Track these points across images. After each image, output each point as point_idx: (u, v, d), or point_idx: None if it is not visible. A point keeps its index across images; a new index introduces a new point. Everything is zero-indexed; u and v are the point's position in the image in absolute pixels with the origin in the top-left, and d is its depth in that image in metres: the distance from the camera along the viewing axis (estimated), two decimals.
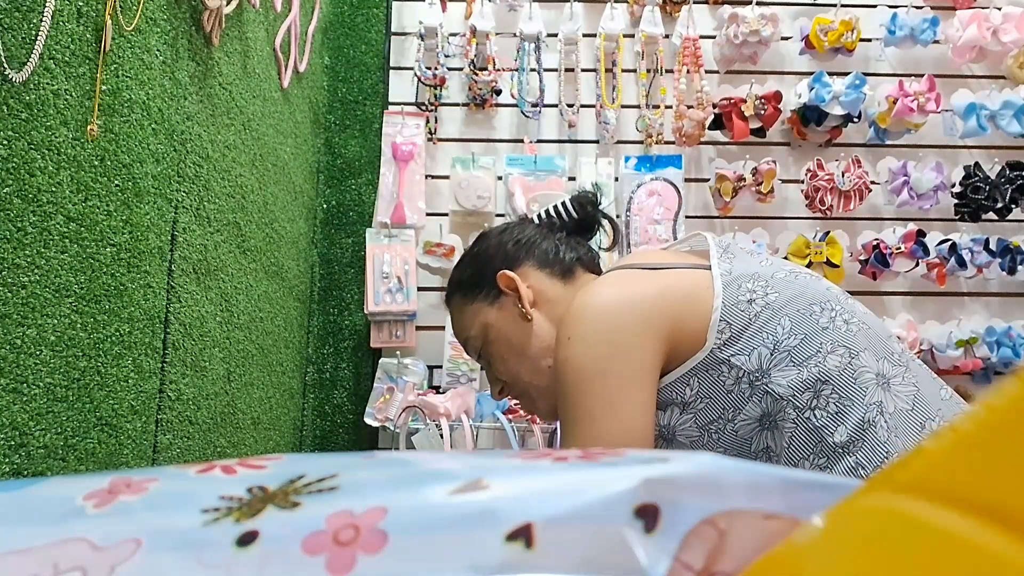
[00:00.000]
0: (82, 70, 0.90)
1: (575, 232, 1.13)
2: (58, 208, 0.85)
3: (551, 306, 1.04)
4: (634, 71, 2.25)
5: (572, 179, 2.17)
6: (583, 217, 1.13)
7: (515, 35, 2.20)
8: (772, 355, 0.84)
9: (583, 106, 2.23)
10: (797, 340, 0.85)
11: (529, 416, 1.92)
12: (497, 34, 2.20)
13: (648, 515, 0.31)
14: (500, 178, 2.17)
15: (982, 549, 0.22)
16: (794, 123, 2.21)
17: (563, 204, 1.14)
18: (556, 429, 1.93)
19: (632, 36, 2.24)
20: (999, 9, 2.20)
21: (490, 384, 1.11)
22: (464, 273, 1.10)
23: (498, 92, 2.21)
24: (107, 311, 0.97)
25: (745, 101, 2.15)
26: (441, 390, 1.98)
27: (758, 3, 2.19)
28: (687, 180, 2.19)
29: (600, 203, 1.15)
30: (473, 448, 1.82)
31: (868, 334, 0.88)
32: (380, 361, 2.04)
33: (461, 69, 2.20)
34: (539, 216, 1.14)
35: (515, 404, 1.93)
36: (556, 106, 2.22)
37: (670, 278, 0.91)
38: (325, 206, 2.20)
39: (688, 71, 2.19)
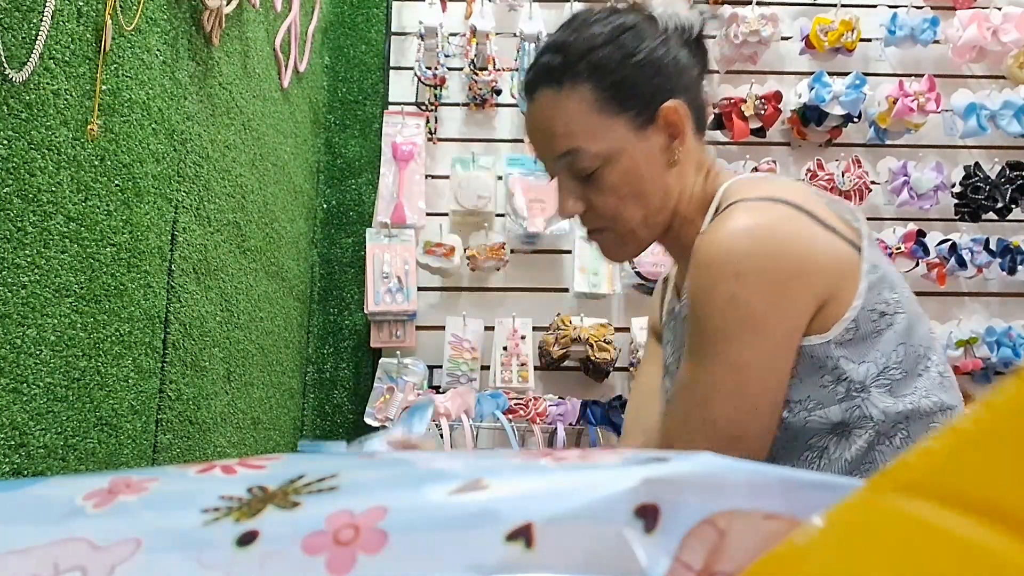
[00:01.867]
0: (82, 70, 0.90)
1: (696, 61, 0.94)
2: (58, 208, 0.85)
3: (687, 165, 0.90)
4: None
5: None
6: (702, 45, 0.95)
7: (515, 35, 2.20)
8: (878, 376, 0.80)
9: None
10: (900, 375, 0.81)
11: (529, 417, 1.93)
12: (497, 34, 2.20)
13: (648, 515, 0.31)
14: (500, 178, 2.17)
15: (982, 549, 0.22)
16: (794, 123, 2.21)
17: (691, 19, 0.94)
18: (556, 429, 1.93)
19: None
20: (999, 9, 2.20)
21: (567, 198, 0.91)
22: (612, 71, 0.87)
23: (498, 92, 2.21)
24: (107, 311, 0.97)
25: (745, 101, 2.15)
26: (441, 390, 1.98)
27: (758, 3, 2.19)
28: None
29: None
30: (473, 448, 1.82)
31: (955, 394, 0.86)
32: (380, 361, 2.04)
33: (461, 69, 2.20)
34: (673, 27, 0.92)
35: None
36: None
37: (831, 244, 0.81)
38: (325, 206, 2.20)
39: None
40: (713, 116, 2.17)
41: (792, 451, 0.82)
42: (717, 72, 2.27)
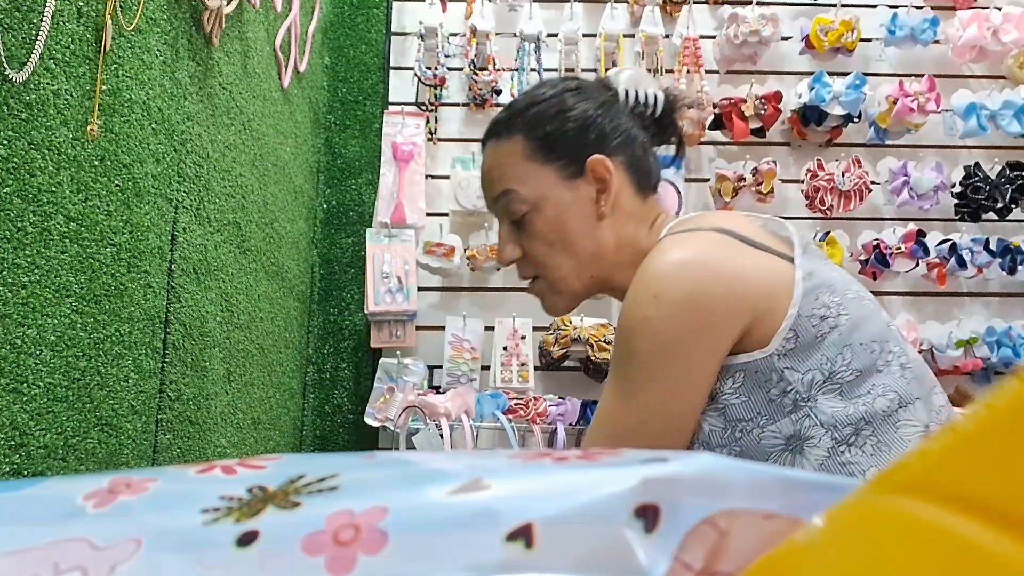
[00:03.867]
0: (82, 70, 0.90)
1: (653, 135, 1.00)
2: (58, 208, 0.85)
3: (620, 219, 0.94)
4: None
5: None
6: (665, 122, 1.00)
7: (515, 35, 2.20)
8: (824, 383, 0.80)
9: None
10: (852, 376, 0.80)
11: (529, 417, 1.93)
12: (497, 34, 2.20)
13: (648, 515, 0.31)
14: None
15: (982, 549, 0.22)
16: (794, 123, 2.21)
17: (655, 95, 0.99)
18: (556, 429, 1.93)
19: (632, 36, 2.24)
20: (999, 9, 2.20)
21: (504, 244, 0.97)
22: (543, 124, 0.94)
23: (498, 92, 2.21)
24: (107, 311, 0.97)
25: (745, 101, 2.15)
26: (441, 390, 1.98)
27: (758, 3, 2.19)
28: (687, 180, 2.19)
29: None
30: (473, 448, 1.82)
31: (922, 383, 0.84)
32: (380, 361, 2.04)
33: (461, 69, 2.20)
34: (627, 96, 0.98)
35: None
36: None
37: (763, 261, 0.83)
38: (325, 206, 2.20)
39: (688, 71, 2.19)
40: (713, 116, 2.17)
41: None
42: (717, 72, 2.27)
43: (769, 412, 0.81)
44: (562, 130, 0.93)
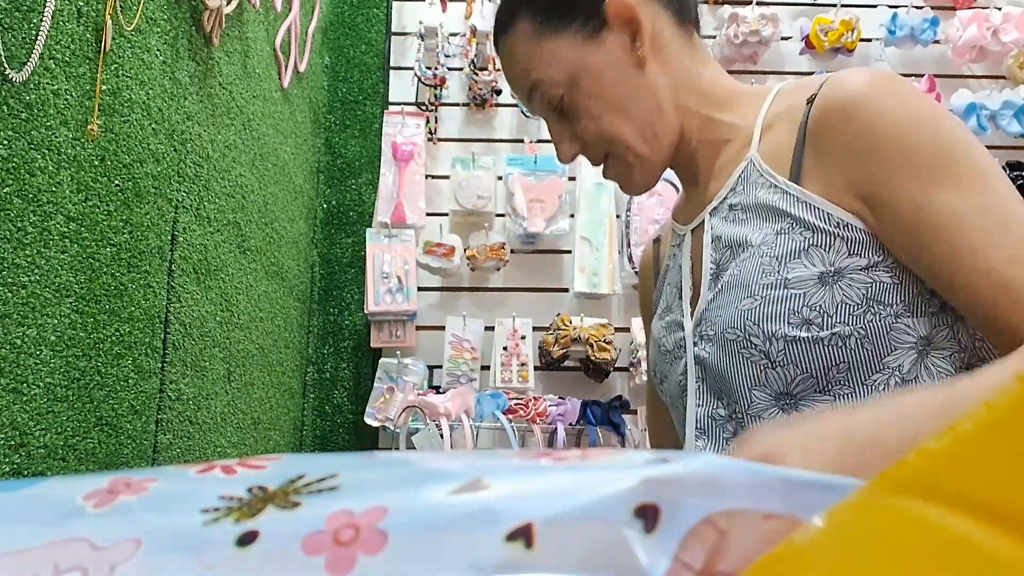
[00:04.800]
0: (82, 70, 0.90)
1: None
2: (58, 208, 0.85)
3: (669, 58, 0.80)
4: None
5: (572, 179, 2.17)
6: None
7: None
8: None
9: None
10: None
11: (529, 417, 1.93)
12: None
13: (648, 515, 0.31)
14: (500, 178, 2.17)
15: (982, 549, 0.22)
16: None
17: None
18: (556, 429, 1.93)
19: None
20: (999, 9, 2.20)
21: (559, 141, 0.84)
22: None
23: (498, 92, 2.21)
24: (107, 311, 0.97)
25: None
26: (441, 390, 1.98)
27: (758, 3, 2.19)
28: None
29: None
30: (473, 448, 1.82)
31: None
32: (380, 361, 2.04)
33: (461, 69, 2.20)
34: None
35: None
36: None
37: None
38: (325, 206, 2.20)
39: None
40: None
41: (864, 368, 0.68)
42: None
43: (915, 305, 0.68)
44: None
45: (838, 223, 0.68)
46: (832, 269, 0.68)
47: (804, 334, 0.68)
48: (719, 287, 0.75)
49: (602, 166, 0.86)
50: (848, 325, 0.67)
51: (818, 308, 0.68)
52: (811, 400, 0.70)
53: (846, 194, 0.68)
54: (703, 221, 0.81)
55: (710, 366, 0.76)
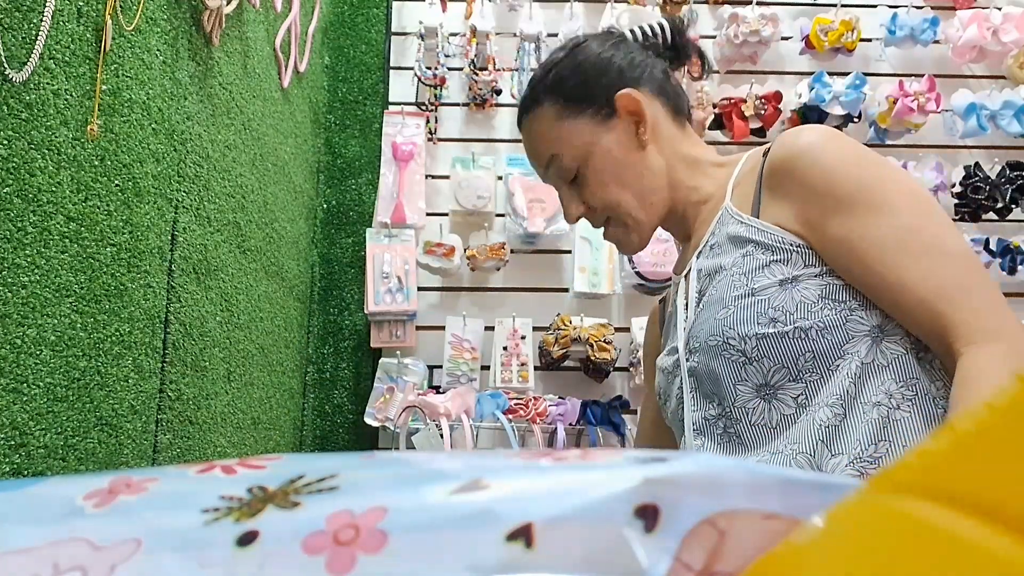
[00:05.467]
0: (82, 70, 0.90)
1: (672, 59, 1.04)
2: (58, 208, 0.85)
3: (664, 143, 0.97)
4: None
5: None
6: (679, 44, 1.05)
7: (515, 35, 2.20)
8: None
9: None
10: None
11: (529, 417, 1.93)
12: (497, 34, 2.20)
13: (648, 515, 0.31)
14: (500, 178, 2.17)
15: (982, 549, 0.22)
16: (794, 123, 2.20)
17: (659, 25, 1.04)
18: (556, 429, 1.93)
19: None
20: (999, 9, 2.20)
21: (568, 204, 1.01)
22: (564, 83, 0.97)
23: (498, 92, 2.21)
24: (107, 311, 0.97)
25: (745, 101, 2.15)
26: (441, 390, 1.98)
27: (758, 3, 2.19)
28: None
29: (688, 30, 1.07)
30: (473, 448, 1.82)
31: None
32: (380, 361, 2.04)
33: (461, 69, 2.20)
34: (633, 33, 1.03)
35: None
36: None
37: None
38: (325, 206, 2.20)
39: (688, 71, 2.19)
40: (713, 116, 2.17)
41: (828, 355, 0.79)
42: (717, 72, 2.27)
43: (865, 300, 0.80)
44: (582, 80, 0.96)
45: (791, 244, 0.82)
46: (790, 276, 0.81)
47: (771, 330, 0.80)
48: (700, 308, 0.89)
49: (603, 229, 1.01)
50: (807, 319, 0.79)
51: (781, 308, 0.81)
52: (787, 388, 0.81)
53: (795, 223, 0.83)
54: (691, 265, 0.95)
55: (700, 373, 0.88)
